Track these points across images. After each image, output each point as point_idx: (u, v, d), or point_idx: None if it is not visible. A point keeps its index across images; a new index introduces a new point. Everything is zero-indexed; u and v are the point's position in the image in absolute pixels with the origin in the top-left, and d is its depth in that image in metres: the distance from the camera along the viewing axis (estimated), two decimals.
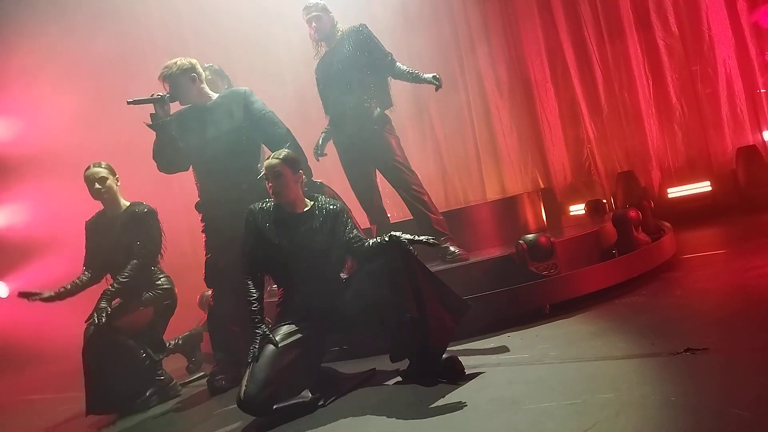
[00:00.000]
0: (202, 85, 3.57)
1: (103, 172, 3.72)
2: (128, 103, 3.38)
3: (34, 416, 4.13)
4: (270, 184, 2.90)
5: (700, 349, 2.39)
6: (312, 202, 3.00)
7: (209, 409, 3.29)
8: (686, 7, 6.58)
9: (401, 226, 4.26)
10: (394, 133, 4.09)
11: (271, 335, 2.74)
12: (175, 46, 7.65)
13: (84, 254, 3.82)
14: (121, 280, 3.58)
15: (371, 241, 2.92)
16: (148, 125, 3.42)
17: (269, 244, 2.89)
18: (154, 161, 3.53)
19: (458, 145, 7.72)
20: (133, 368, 3.59)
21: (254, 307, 2.82)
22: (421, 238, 2.87)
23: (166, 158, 3.50)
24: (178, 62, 3.49)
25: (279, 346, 2.72)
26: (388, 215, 4.47)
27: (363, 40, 4.00)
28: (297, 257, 2.87)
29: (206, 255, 3.64)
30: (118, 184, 3.80)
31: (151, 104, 3.39)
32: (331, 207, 2.98)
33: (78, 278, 3.73)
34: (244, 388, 2.63)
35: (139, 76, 7.55)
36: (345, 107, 3.99)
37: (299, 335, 2.81)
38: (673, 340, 2.59)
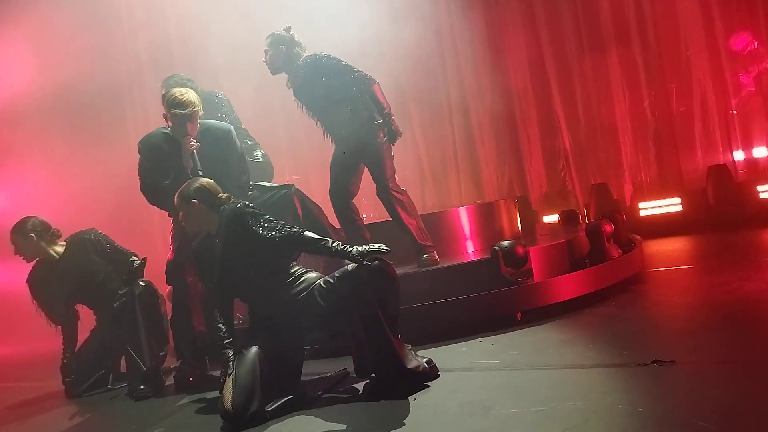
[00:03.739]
0: None
1: (11, 237, 3.78)
2: (192, 174, 3.26)
3: None
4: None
5: (668, 362, 2.44)
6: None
7: (174, 402, 3.23)
8: (665, 26, 6.74)
9: (379, 227, 4.26)
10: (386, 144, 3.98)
11: (232, 363, 2.65)
12: (157, 41, 7.58)
13: (44, 313, 3.85)
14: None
15: (332, 243, 2.71)
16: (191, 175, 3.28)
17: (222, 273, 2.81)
18: (154, 192, 3.41)
19: (437, 149, 7.77)
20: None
21: (221, 333, 2.76)
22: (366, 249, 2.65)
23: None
24: (198, 103, 3.39)
25: (255, 352, 2.66)
26: (363, 215, 4.45)
27: (325, 67, 3.89)
28: (241, 275, 2.80)
29: (170, 255, 3.58)
30: (32, 242, 3.77)
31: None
32: (228, 213, 2.82)
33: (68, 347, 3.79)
34: (230, 399, 2.52)
35: (119, 67, 7.50)
36: (341, 128, 3.95)
37: (275, 338, 2.75)
38: (641, 351, 2.64)
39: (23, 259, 3.83)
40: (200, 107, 3.41)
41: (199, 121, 3.44)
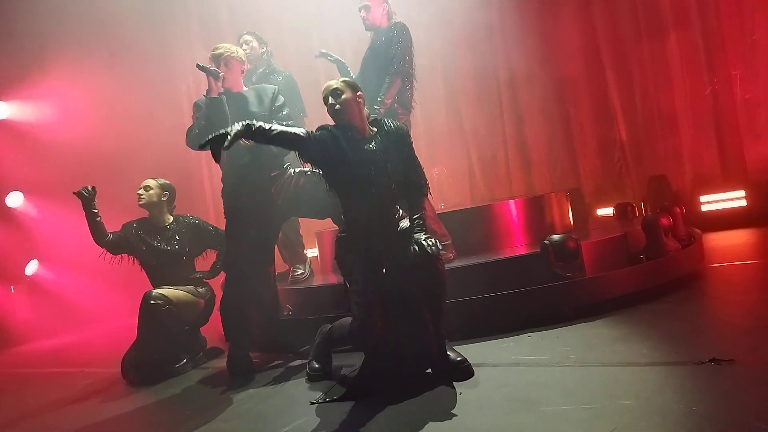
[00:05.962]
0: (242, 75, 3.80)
1: (148, 182, 4.14)
2: (197, 66, 3.54)
3: (56, 388, 4.21)
4: (330, 103, 2.81)
5: (726, 360, 2.34)
6: (376, 128, 2.91)
7: (225, 388, 3.33)
8: (728, 8, 6.38)
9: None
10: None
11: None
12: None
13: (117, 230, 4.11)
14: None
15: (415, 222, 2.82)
16: (208, 97, 3.56)
17: (337, 158, 2.76)
18: (191, 135, 3.62)
19: (486, 140, 7.63)
20: (176, 336, 3.92)
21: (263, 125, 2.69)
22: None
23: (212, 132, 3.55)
24: (238, 50, 3.73)
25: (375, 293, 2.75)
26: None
27: (388, 39, 3.95)
28: (365, 175, 2.77)
29: (227, 240, 3.74)
30: (163, 199, 4.13)
31: (209, 76, 3.56)
32: (395, 128, 2.90)
33: (105, 233, 4.00)
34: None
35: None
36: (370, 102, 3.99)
37: (383, 283, 2.80)
38: (698, 349, 2.55)
39: (140, 203, 4.08)
40: (237, 56, 3.70)
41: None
